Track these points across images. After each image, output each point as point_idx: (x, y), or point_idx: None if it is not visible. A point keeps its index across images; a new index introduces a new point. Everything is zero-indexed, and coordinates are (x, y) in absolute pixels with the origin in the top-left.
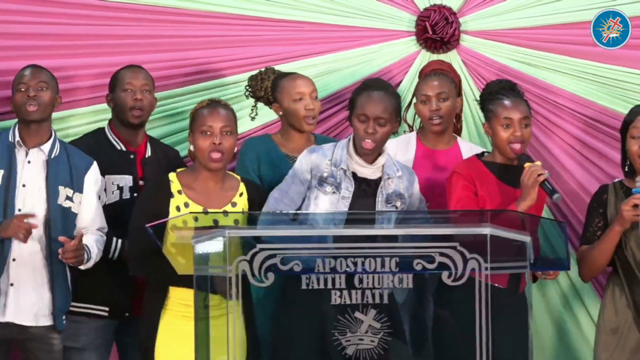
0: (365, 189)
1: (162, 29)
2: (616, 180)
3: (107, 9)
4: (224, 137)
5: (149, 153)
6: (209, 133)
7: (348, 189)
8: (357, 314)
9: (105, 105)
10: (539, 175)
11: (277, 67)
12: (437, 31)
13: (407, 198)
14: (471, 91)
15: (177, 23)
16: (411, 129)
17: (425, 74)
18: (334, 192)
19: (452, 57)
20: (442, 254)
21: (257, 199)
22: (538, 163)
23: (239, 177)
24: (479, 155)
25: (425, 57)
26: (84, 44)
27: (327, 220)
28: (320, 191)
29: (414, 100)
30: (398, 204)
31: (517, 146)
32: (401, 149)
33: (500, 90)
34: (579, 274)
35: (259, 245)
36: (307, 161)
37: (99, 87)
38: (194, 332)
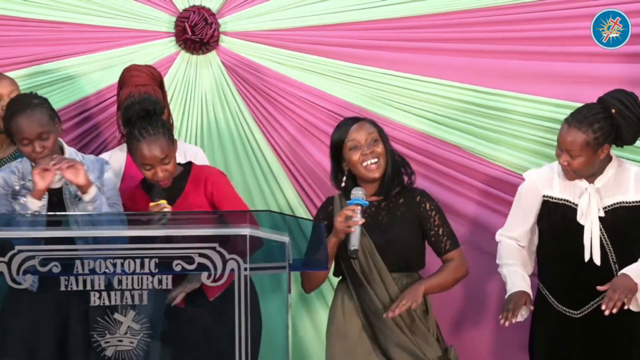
0: (54, 193)
1: None
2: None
3: None
4: None
5: None
6: None
7: (44, 197)
8: (117, 315)
9: None
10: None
11: (32, 68)
12: (197, 32)
13: (101, 186)
14: (230, 92)
15: None
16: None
17: (129, 98)
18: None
19: (211, 58)
20: (201, 255)
21: None
22: (163, 202)
23: None
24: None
25: (184, 58)
26: None
27: (83, 222)
28: (16, 204)
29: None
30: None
31: (162, 182)
32: (113, 158)
33: (137, 122)
34: (302, 285)
35: (17, 247)
36: None
37: None
38: None
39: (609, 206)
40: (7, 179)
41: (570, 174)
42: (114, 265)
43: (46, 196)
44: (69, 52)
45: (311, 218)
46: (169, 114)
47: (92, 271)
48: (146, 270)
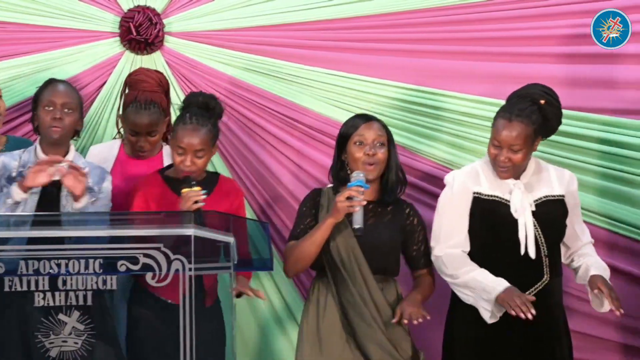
0: (54, 184)
1: None
2: (329, 185)
3: None
4: None
5: None
6: None
7: (31, 192)
8: (61, 316)
9: None
10: (195, 202)
11: None
12: (141, 32)
13: (98, 193)
14: (175, 92)
15: None
16: (119, 134)
17: (134, 102)
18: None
19: (156, 59)
20: (146, 255)
21: None
22: (197, 188)
23: None
24: (163, 170)
25: (129, 58)
26: None
27: (24, 222)
28: (5, 188)
29: (121, 112)
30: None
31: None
32: (104, 153)
33: (193, 109)
34: (284, 269)
35: None
36: None
37: None
38: None
39: (537, 199)
40: (6, 163)
41: (507, 172)
42: (59, 265)
43: (38, 191)
44: (12, 53)
45: (256, 219)
46: (170, 123)
47: (37, 272)
48: (91, 270)
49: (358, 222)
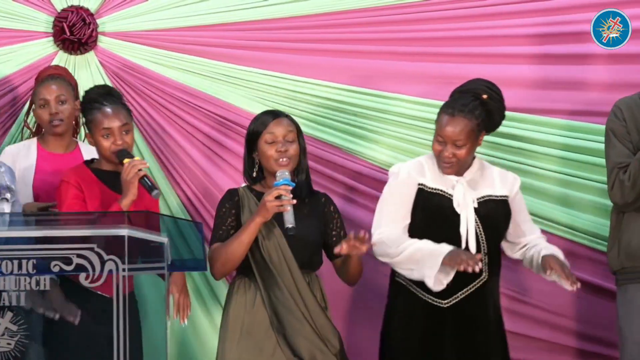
0: None
1: None
2: (243, 185)
3: None
4: None
5: None
6: None
7: None
8: None
9: None
10: (139, 170)
11: None
12: (75, 32)
13: (16, 193)
14: None
15: None
16: (32, 134)
17: (42, 78)
18: None
19: (89, 59)
20: (79, 256)
21: None
22: (137, 158)
23: None
24: (89, 162)
25: (62, 58)
26: None
27: None
28: None
29: (33, 106)
30: (8, 195)
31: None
32: (22, 154)
33: (98, 98)
34: (211, 271)
35: None
36: None
37: None
38: None
39: (480, 198)
40: None
41: (451, 167)
42: None
43: None
44: None
45: (189, 219)
46: (79, 116)
47: None
48: (24, 271)
49: (290, 221)
